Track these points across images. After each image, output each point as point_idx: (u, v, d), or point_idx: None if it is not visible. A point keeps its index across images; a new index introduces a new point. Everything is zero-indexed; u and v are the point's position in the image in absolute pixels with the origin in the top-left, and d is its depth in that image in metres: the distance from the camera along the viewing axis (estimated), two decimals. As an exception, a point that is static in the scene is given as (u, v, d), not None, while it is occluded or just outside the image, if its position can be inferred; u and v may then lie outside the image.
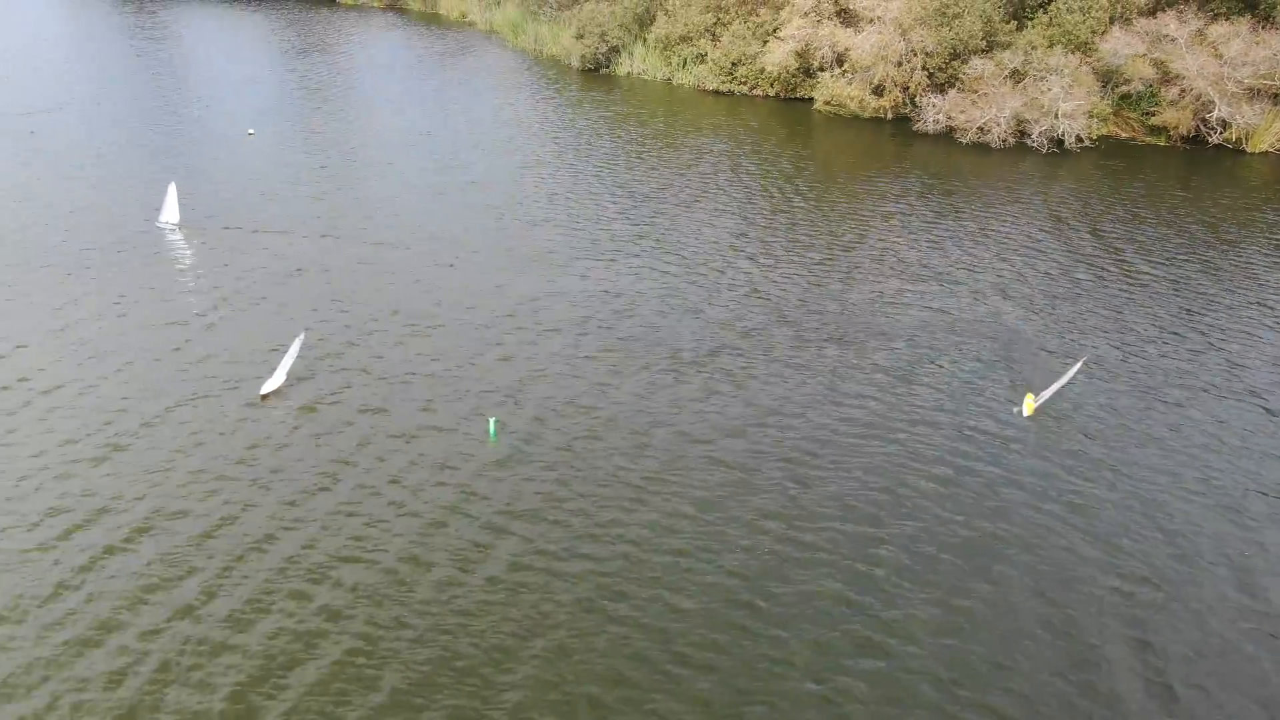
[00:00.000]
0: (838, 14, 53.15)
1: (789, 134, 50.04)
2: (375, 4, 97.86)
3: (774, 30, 56.88)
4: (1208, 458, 22.27)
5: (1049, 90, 45.28)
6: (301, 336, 25.07)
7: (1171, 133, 46.19)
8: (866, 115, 51.67)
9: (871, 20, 50.16)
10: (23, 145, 46.25)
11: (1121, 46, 46.83)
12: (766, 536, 19.59)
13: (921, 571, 18.66)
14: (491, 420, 23.13)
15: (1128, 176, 42.21)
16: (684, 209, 38.77)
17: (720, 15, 59.72)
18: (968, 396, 24.80)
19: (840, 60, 52.61)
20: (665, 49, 61.82)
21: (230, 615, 17.42)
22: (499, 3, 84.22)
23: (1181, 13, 47.03)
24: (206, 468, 21.64)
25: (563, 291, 30.85)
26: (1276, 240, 35.39)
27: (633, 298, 30.44)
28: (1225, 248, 34.63)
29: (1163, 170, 42.96)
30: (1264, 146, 44.28)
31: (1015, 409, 23.58)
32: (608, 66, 64.70)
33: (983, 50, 49.23)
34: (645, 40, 63.63)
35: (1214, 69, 44.19)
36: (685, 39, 60.60)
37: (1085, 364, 25.37)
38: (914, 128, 48.79)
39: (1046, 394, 23.37)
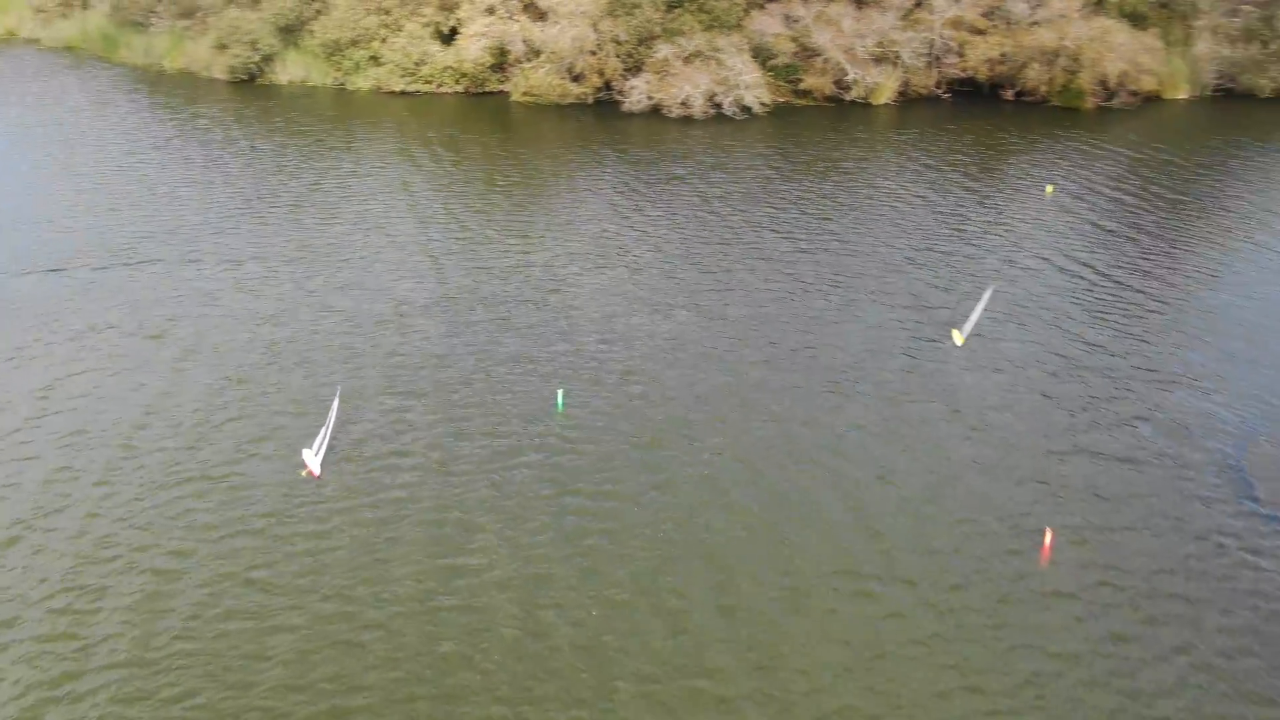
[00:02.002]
0: (524, 9, 56.65)
1: (504, 126, 53.10)
2: None
3: (452, 28, 58.75)
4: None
5: (732, 66, 53.46)
6: (337, 399, 23.54)
7: (816, 95, 56.95)
8: (567, 102, 56.03)
9: (567, 14, 54.48)
10: None
11: (766, 27, 56.54)
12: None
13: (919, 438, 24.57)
14: (559, 391, 24.55)
15: (812, 130, 51.89)
16: (448, 203, 40.93)
17: (384, 17, 59.85)
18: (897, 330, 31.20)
19: (535, 53, 56.16)
20: (332, 54, 60.33)
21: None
22: (67, 15, 74.07)
23: (804, -2, 57.91)
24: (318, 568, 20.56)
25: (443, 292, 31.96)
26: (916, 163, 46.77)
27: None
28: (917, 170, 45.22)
29: (827, 124, 53.23)
30: (884, 99, 56.66)
31: (949, 341, 28.82)
32: (261, 76, 61.40)
33: (660, 35, 56.08)
34: (301, 46, 61.42)
35: (843, 41, 55.51)
36: (355, 42, 59.76)
37: (994, 291, 30.15)
38: (623, 108, 54.23)
39: (969, 325, 28.68)
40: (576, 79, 55.98)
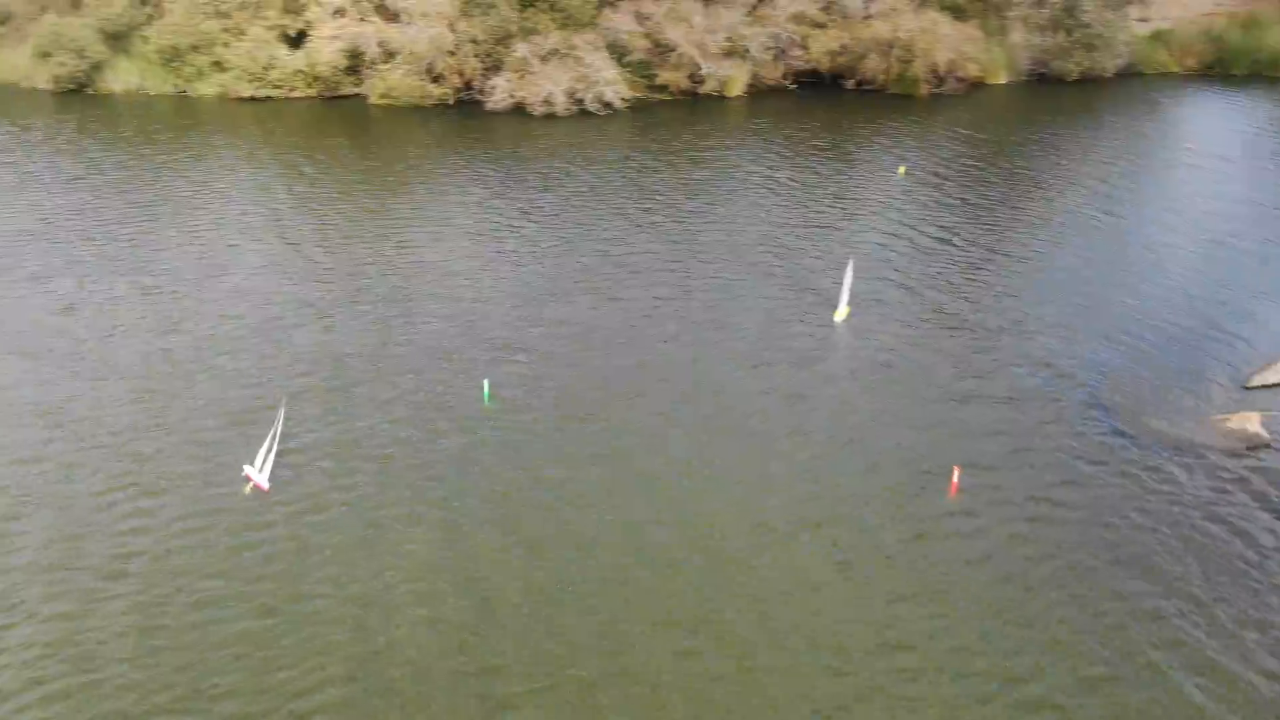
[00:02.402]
0: (376, 10, 55.91)
1: (367, 129, 52.51)
2: None
3: (300, 31, 57.31)
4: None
5: (590, 63, 54.56)
6: (282, 410, 23.14)
7: (672, 89, 58.81)
8: (429, 104, 55.71)
9: (421, 15, 54.19)
10: None
11: (619, 24, 57.96)
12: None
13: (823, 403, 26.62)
14: (485, 382, 24.96)
15: (674, 122, 53.61)
16: (337, 207, 40.72)
17: (225, 21, 57.73)
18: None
19: (390, 54, 55.50)
20: (170, 60, 57.69)
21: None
22: None
23: (653, -5, 59.62)
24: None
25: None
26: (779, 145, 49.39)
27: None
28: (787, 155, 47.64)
29: (687, 116, 55.12)
30: (737, 91, 59.14)
31: (832, 318, 30.47)
32: (91, 85, 58.09)
33: (516, 35, 56.54)
34: (133, 52, 58.45)
35: (694, 37, 57.58)
36: (195, 48, 57.35)
37: (854, 264, 31.74)
38: (486, 107, 54.47)
39: (843, 299, 30.57)
40: (436, 80, 55.77)
